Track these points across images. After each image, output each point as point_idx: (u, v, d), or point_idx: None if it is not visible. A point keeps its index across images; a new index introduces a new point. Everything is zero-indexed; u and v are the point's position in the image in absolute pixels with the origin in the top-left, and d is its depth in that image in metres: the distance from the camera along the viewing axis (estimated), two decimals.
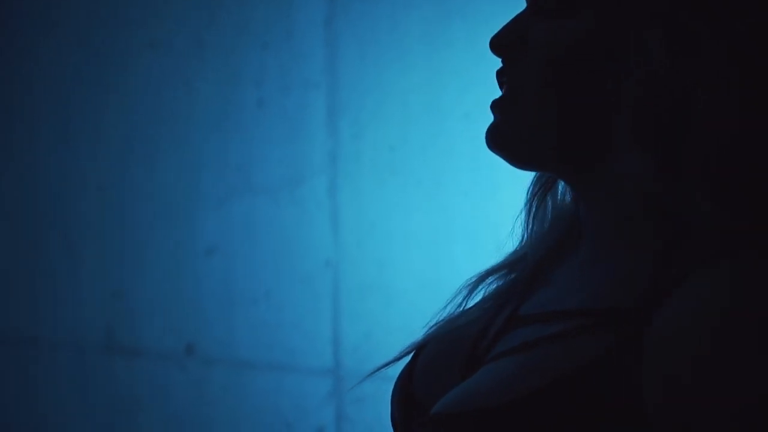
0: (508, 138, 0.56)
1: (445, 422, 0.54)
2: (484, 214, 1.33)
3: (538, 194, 0.62)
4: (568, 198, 0.62)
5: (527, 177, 0.64)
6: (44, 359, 1.74)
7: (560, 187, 0.62)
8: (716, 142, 0.51)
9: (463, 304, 0.63)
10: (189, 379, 1.58)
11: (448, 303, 0.63)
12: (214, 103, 1.56)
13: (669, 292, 0.51)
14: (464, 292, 0.63)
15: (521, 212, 0.63)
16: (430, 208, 1.38)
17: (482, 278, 0.63)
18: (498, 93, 0.58)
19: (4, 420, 1.78)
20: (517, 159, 0.57)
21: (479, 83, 1.23)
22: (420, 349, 0.63)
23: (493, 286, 0.63)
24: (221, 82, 1.55)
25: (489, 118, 0.58)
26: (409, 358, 0.64)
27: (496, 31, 0.57)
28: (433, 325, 0.63)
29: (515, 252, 0.63)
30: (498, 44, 0.56)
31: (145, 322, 1.63)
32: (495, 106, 0.57)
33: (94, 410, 1.69)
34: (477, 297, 0.64)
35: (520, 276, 0.62)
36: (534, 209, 0.62)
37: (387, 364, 0.64)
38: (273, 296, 1.50)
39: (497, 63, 0.58)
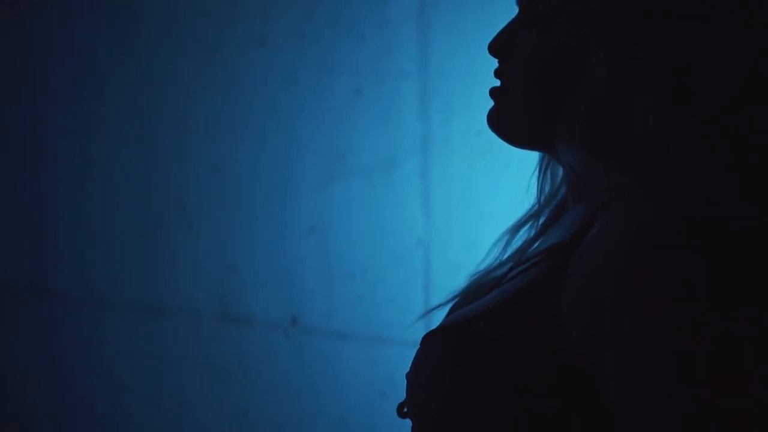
0: (501, 121, 0.65)
1: (428, 337, 0.61)
2: None
3: (546, 163, 0.70)
4: None
5: None
6: (168, 325, 1.76)
7: None
8: (643, 145, 0.56)
9: (500, 256, 0.70)
10: (292, 348, 1.57)
11: (488, 254, 0.70)
12: (315, 92, 1.54)
13: (590, 229, 0.56)
14: (501, 244, 0.70)
15: (537, 176, 0.69)
16: (515, 189, 1.32)
17: (514, 231, 0.70)
18: None
19: (133, 378, 1.82)
20: (509, 139, 0.65)
21: None
22: (461, 293, 0.70)
23: (523, 238, 0.69)
24: (321, 73, 1.52)
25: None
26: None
27: (493, 36, 0.66)
28: (475, 273, 0.71)
29: (534, 205, 0.70)
30: (492, 49, 0.66)
31: (255, 294, 1.63)
32: (492, 93, 0.66)
33: (210, 372, 1.70)
34: (512, 248, 0.69)
35: (538, 228, 0.68)
36: (545, 168, 0.69)
37: (436, 308, 0.71)
38: (369, 272, 1.47)
39: None
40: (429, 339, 0.60)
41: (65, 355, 1.93)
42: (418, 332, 1.48)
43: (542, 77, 0.61)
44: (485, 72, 1.38)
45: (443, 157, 1.40)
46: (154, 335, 1.78)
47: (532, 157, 1.37)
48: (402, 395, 1.56)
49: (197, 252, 1.72)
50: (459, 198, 1.38)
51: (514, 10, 1.46)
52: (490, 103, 1.50)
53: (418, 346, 0.62)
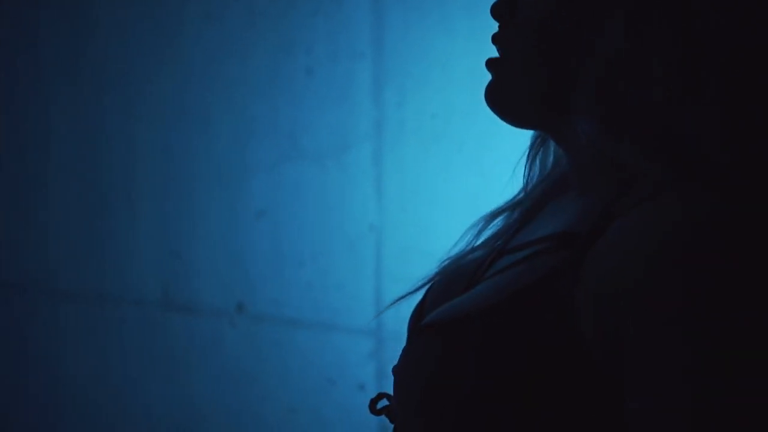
0: (502, 96, 0.60)
1: (421, 331, 0.58)
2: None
3: (538, 142, 0.66)
4: None
5: None
6: (109, 314, 1.73)
7: None
8: (660, 116, 0.54)
9: (473, 242, 0.66)
10: (239, 336, 1.56)
11: (460, 240, 0.66)
12: (266, 71, 1.52)
13: (611, 222, 0.54)
14: (474, 231, 0.66)
15: (523, 157, 0.66)
16: (471, 174, 1.33)
17: (490, 218, 0.66)
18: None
19: (74, 370, 1.79)
20: (508, 115, 0.60)
21: None
22: (433, 280, 0.66)
23: (499, 225, 0.66)
24: (272, 51, 1.51)
25: None
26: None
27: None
28: (446, 260, 0.66)
29: (518, 194, 0.66)
30: (495, 11, 0.61)
31: (200, 280, 1.61)
32: (489, 64, 0.61)
33: (154, 362, 1.68)
34: (486, 234, 0.66)
35: (519, 215, 0.65)
36: (533, 156, 0.66)
37: (405, 296, 0.67)
38: (319, 258, 1.46)
39: None
40: (417, 336, 0.58)
41: (4, 346, 1.88)
42: (368, 320, 1.48)
43: (546, 40, 0.57)
44: (441, 53, 1.38)
45: (397, 141, 1.39)
46: (95, 325, 1.75)
47: (487, 140, 1.37)
48: (350, 383, 1.55)
49: (139, 237, 1.69)
50: (412, 182, 1.38)
51: None
52: (446, 86, 1.49)
53: (408, 336, 0.60)
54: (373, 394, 0.65)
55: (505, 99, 0.59)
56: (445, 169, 1.35)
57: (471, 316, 0.54)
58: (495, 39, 0.60)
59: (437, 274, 0.66)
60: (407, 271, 1.40)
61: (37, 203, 1.83)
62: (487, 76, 0.61)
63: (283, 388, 1.50)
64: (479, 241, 0.66)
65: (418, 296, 0.67)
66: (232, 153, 1.57)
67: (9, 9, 1.83)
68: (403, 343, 0.63)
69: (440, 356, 0.54)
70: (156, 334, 1.67)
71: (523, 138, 1.47)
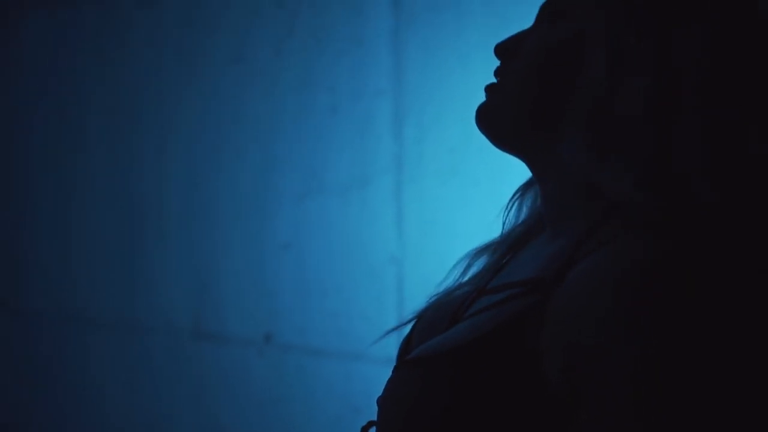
0: (491, 117, 0.67)
1: (404, 365, 0.64)
2: None
3: (519, 193, 0.74)
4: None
5: None
6: (139, 342, 1.81)
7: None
8: (646, 142, 0.59)
9: (460, 279, 0.73)
10: (267, 364, 1.63)
11: (447, 277, 0.73)
12: (292, 109, 1.61)
13: (577, 263, 0.59)
14: (460, 268, 0.73)
15: (506, 205, 0.73)
16: (487, 207, 1.40)
17: (474, 256, 0.74)
18: None
19: (104, 394, 1.87)
20: (495, 136, 0.67)
21: None
22: (422, 314, 0.73)
23: (484, 263, 0.73)
24: (298, 90, 1.60)
25: None
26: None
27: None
28: (434, 295, 0.74)
29: (501, 235, 0.74)
30: (499, 50, 0.68)
31: (228, 310, 1.69)
32: (487, 89, 0.68)
33: (183, 390, 1.75)
34: (472, 272, 0.72)
35: (498, 255, 0.72)
36: (514, 204, 0.74)
37: (395, 328, 0.75)
38: (343, 288, 1.53)
39: None
40: (400, 369, 0.63)
41: (36, 373, 1.98)
42: (391, 349, 1.54)
43: (542, 74, 0.64)
44: (458, 90, 1.46)
45: (416, 175, 1.47)
46: (127, 352, 1.83)
47: (503, 174, 1.44)
48: (375, 412, 1.62)
49: (170, 268, 1.77)
50: (431, 215, 1.46)
51: (486, 28, 1.53)
52: (464, 121, 1.56)
53: (393, 369, 0.66)
54: None
55: (493, 119, 0.67)
56: (462, 201, 1.42)
57: (444, 353, 0.61)
58: (497, 72, 0.68)
59: (426, 308, 0.73)
60: None
61: (71, 233, 1.93)
62: None
63: (310, 416, 1.57)
64: (466, 278, 0.73)
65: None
66: (259, 187, 1.65)
67: (47, 48, 1.94)
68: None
69: (418, 389, 0.60)
70: (186, 362, 1.75)
71: None
